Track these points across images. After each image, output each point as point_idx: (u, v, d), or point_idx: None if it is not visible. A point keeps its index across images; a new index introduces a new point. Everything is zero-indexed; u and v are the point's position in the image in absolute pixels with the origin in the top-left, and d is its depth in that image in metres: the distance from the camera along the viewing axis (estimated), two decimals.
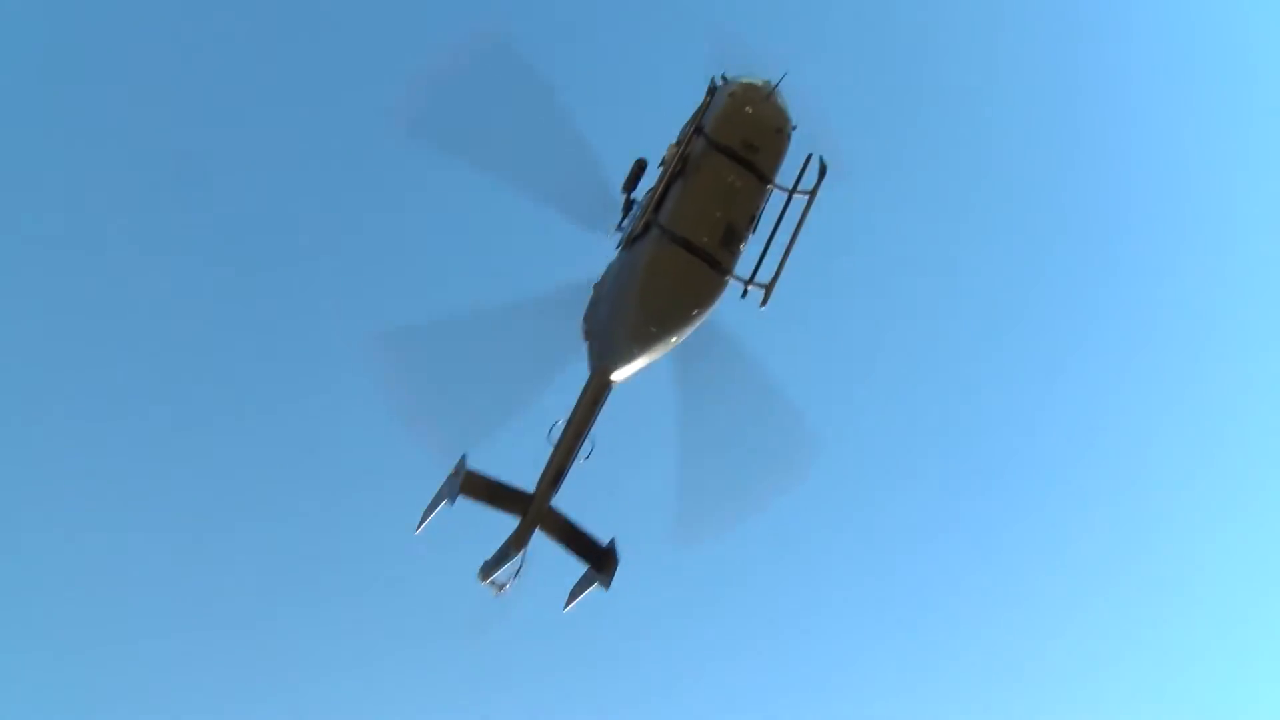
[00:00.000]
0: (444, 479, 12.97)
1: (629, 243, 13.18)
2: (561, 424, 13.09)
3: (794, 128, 13.06)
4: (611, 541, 13.26)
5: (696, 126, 12.81)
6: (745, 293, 12.69)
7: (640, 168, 13.58)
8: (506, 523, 13.33)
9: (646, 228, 12.61)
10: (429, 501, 13.19)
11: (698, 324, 12.79)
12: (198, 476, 31.13)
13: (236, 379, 31.75)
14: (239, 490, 31.48)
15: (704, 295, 12.54)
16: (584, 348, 13.63)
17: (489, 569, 13.35)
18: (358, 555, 30.42)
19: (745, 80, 13.07)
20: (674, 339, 12.75)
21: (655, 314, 12.43)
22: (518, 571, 12.89)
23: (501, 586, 13.39)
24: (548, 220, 13.85)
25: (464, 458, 12.79)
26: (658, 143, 14.02)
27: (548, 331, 13.64)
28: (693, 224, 12.41)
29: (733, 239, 12.60)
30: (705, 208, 12.51)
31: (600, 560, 13.12)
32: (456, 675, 29.63)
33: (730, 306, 13.19)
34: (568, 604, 13.76)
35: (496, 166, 13.51)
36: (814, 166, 13.08)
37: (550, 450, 13.02)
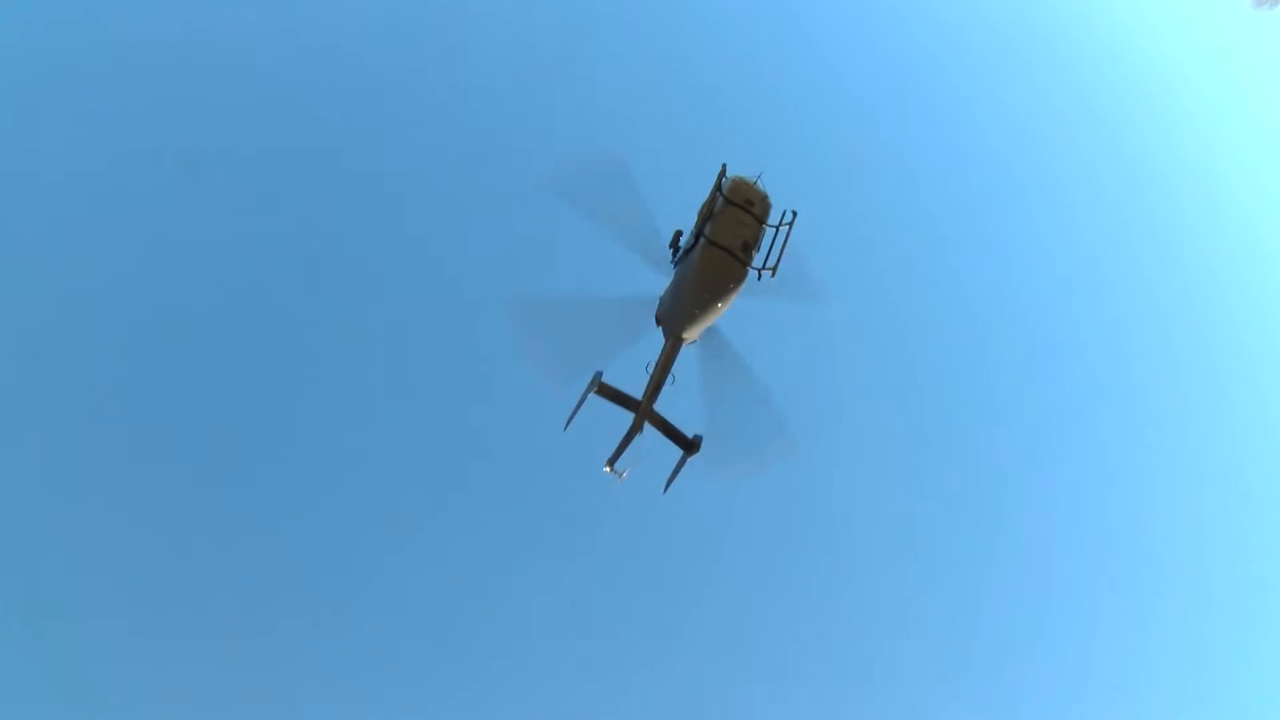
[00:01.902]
0: (583, 389, 19.92)
1: (681, 259, 21.39)
2: (653, 363, 20.46)
3: (770, 203, 21.99)
4: (696, 435, 20.16)
5: (717, 190, 21.59)
6: (760, 276, 20.85)
7: (677, 235, 22.15)
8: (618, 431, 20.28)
9: (696, 241, 20.90)
10: (572, 407, 19.99)
11: (734, 296, 20.77)
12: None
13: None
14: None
15: (737, 277, 20.67)
16: (659, 330, 21.37)
17: (612, 460, 19.98)
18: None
19: (740, 175, 22.18)
20: (720, 305, 20.66)
21: (710, 285, 20.44)
22: (639, 431, 19.56)
23: (621, 474, 19.93)
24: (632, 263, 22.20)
25: (599, 373, 19.98)
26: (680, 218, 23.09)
27: (634, 321, 21.41)
28: (725, 238, 20.78)
29: (747, 249, 20.98)
30: (731, 230, 20.95)
31: (689, 445, 19.97)
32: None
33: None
34: (665, 487, 20.27)
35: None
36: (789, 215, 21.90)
37: (649, 376, 20.27)
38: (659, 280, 22.82)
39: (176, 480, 44.28)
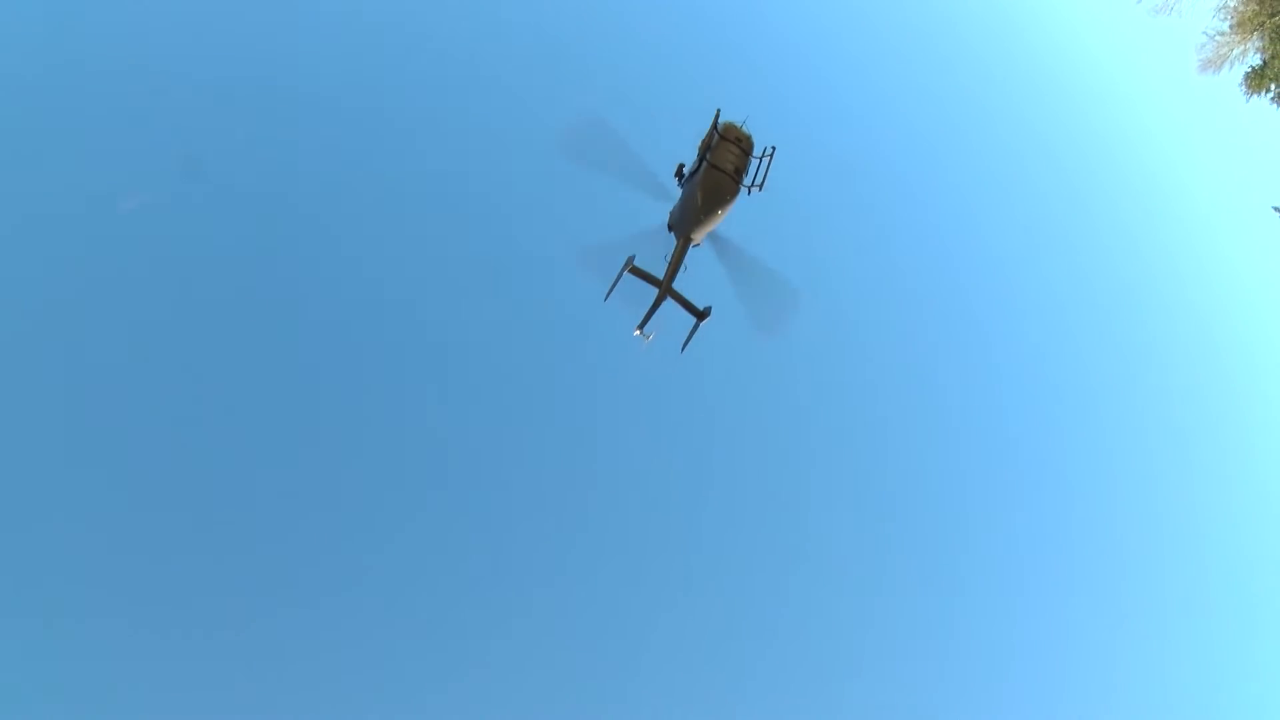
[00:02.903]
0: (619, 267, 26.32)
1: (687, 180, 27.98)
2: (669, 255, 27.01)
3: (753, 141, 28.76)
4: (707, 306, 26.69)
5: (714, 128, 28.25)
6: (750, 192, 27.56)
7: (681, 166, 28.77)
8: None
9: (699, 166, 27.51)
10: (611, 282, 26.36)
11: (730, 206, 27.53)
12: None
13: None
14: None
15: (732, 192, 27.52)
16: (669, 235, 27.97)
17: (641, 325, 26.47)
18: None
19: (730, 120, 28.91)
20: (720, 213, 27.40)
21: (711, 197, 27.20)
22: (663, 302, 26.05)
23: (648, 336, 26.37)
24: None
25: (632, 256, 26.40)
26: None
27: (651, 229, 27.97)
28: (723, 162, 27.49)
29: (739, 173, 27.78)
30: (727, 158, 27.77)
31: (700, 314, 26.52)
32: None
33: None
34: (683, 347, 26.81)
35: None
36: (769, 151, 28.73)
37: (666, 263, 26.86)
38: (659, 203, 29.54)
39: (180, 474, 50.45)
